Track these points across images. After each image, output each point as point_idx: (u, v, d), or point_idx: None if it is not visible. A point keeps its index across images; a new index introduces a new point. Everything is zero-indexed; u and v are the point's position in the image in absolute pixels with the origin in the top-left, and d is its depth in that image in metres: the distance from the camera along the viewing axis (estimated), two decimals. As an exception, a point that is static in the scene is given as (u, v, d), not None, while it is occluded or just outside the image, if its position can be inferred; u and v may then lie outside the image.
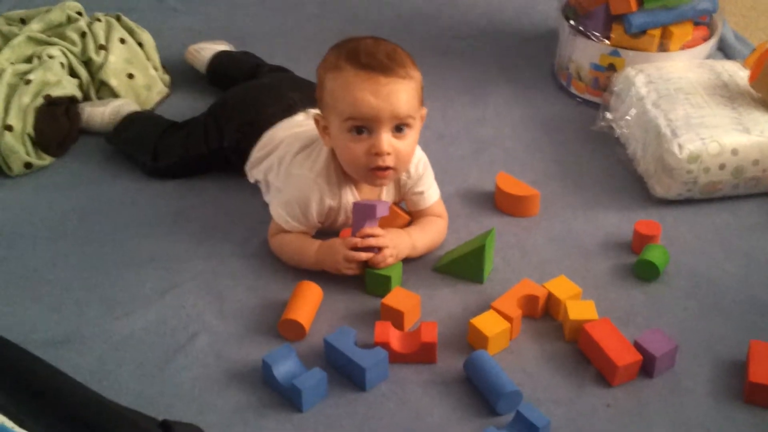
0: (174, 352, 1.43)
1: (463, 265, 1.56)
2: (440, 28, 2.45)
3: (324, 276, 1.54)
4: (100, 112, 1.95)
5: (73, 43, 2.01)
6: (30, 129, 1.83)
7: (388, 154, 1.49)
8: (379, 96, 1.45)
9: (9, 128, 1.81)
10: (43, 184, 1.82)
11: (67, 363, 1.39)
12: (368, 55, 1.47)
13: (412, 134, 1.51)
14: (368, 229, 1.51)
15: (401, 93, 1.47)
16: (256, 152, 1.70)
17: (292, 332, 1.45)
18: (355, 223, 1.53)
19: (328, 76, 1.49)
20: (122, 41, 2.05)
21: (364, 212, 1.51)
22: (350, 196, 1.59)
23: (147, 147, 1.84)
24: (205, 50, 2.14)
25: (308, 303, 1.47)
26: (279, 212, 1.58)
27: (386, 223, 1.64)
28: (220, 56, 2.13)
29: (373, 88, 1.45)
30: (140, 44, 2.10)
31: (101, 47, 2.02)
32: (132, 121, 1.93)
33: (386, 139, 1.48)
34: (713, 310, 1.52)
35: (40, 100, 1.85)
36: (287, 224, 1.57)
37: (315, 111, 1.73)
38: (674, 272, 1.60)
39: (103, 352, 1.43)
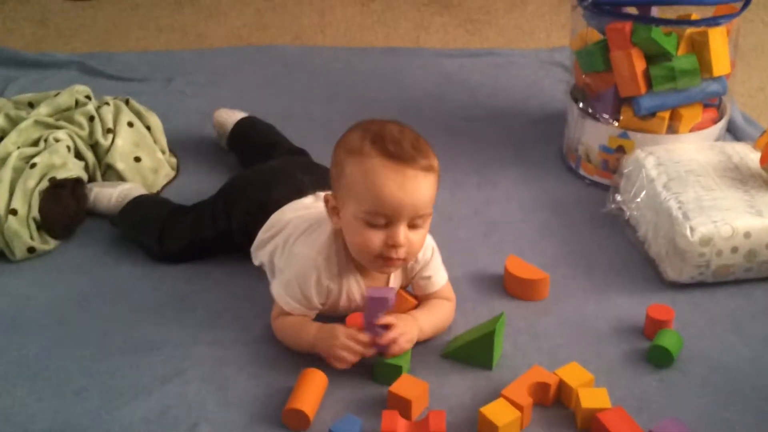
0: (175, 443, 1.40)
1: (472, 351, 1.53)
2: (449, 110, 2.46)
3: (326, 364, 1.51)
4: (107, 195, 1.94)
5: (80, 126, 2.01)
6: (35, 212, 1.82)
7: (402, 246, 1.46)
8: (404, 190, 1.43)
9: (13, 212, 1.80)
10: (46, 269, 1.80)
11: (64, 455, 1.37)
12: (395, 144, 1.43)
13: (426, 226, 1.50)
14: (382, 320, 1.48)
15: (424, 188, 1.45)
16: (262, 234, 1.68)
17: (296, 421, 1.41)
18: (367, 313, 1.49)
19: (351, 159, 1.45)
20: (130, 125, 2.06)
21: (376, 303, 1.47)
22: (353, 282, 1.56)
23: (153, 231, 1.83)
24: (236, 113, 2.17)
25: (313, 391, 1.44)
26: (280, 293, 1.56)
27: (393, 308, 1.62)
28: (244, 121, 2.14)
29: (399, 181, 1.42)
30: (148, 127, 2.10)
31: (109, 131, 2.02)
32: (138, 204, 1.92)
33: (403, 232, 1.46)
34: (730, 398, 1.48)
35: (45, 183, 1.85)
36: (288, 305, 1.54)
37: (324, 194, 1.73)
38: (688, 358, 1.56)
39: (101, 443, 1.40)
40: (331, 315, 1.58)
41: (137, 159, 2.03)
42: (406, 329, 1.50)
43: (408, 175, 1.42)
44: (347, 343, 1.47)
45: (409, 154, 1.43)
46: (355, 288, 1.57)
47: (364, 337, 1.47)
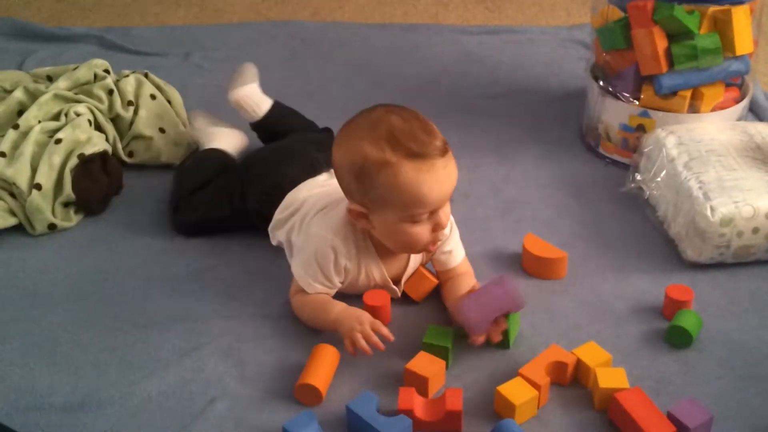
0: (192, 418, 1.40)
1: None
2: (467, 87, 2.44)
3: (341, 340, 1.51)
4: (202, 128, 2.02)
5: (100, 100, 2.01)
6: (68, 191, 1.83)
7: (446, 226, 1.50)
8: (441, 182, 1.44)
9: (38, 187, 1.80)
10: (65, 243, 1.80)
11: (84, 428, 1.38)
12: (412, 139, 1.42)
13: (452, 221, 1.53)
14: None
15: (453, 170, 1.46)
16: (278, 214, 1.68)
17: (309, 397, 1.41)
18: (486, 310, 1.48)
19: (381, 173, 1.41)
20: (153, 97, 2.06)
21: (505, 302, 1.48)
22: (372, 262, 1.56)
23: (173, 200, 1.85)
24: (263, 102, 2.05)
25: (325, 367, 1.44)
26: (299, 272, 1.56)
27: (413, 287, 1.62)
28: (277, 111, 2.06)
29: (435, 177, 1.43)
30: (168, 101, 2.10)
31: (129, 103, 2.02)
32: (188, 164, 1.95)
33: (444, 214, 1.48)
34: (749, 380, 1.47)
35: (74, 161, 1.85)
36: (309, 286, 1.55)
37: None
38: (707, 339, 1.55)
39: (119, 417, 1.40)
40: (350, 293, 1.57)
41: (162, 130, 2.03)
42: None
43: (438, 166, 1.43)
44: (369, 332, 1.46)
45: (430, 144, 1.42)
46: (374, 267, 1.57)
47: (387, 332, 1.46)
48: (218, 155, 1.95)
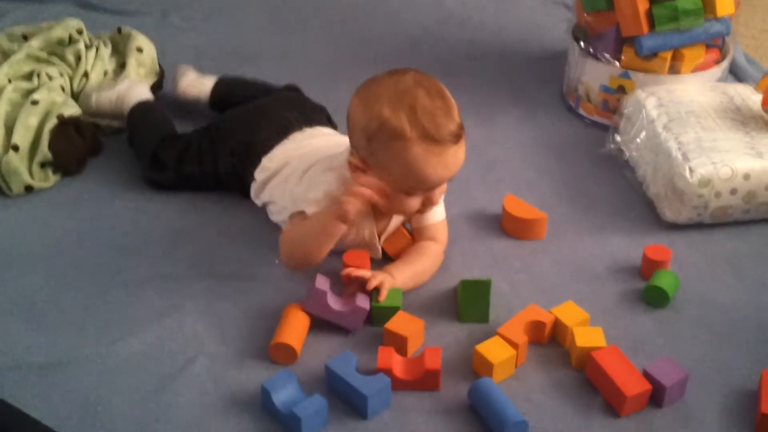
0: (171, 377, 1.40)
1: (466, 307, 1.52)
2: (448, 48, 2.43)
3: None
4: (107, 98, 1.95)
5: (70, 66, 2.00)
6: (45, 151, 1.81)
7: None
8: (447, 168, 1.45)
9: (15, 148, 1.78)
10: (41, 204, 1.79)
11: (61, 388, 1.38)
12: (432, 120, 1.41)
13: None
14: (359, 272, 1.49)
15: (461, 156, 1.48)
16: (259, 176, 1.68)
17: (283, 356, 1.41)
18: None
19: (392, 143, 1.42)
20: (105, 74, 2.04)
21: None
22: (366, 220, 1.56)
23: (146, 155, 1.83)
24: (206, 79, 2.03)
25: (298, 326, 1.44)
26: (297, 209, 1.54)
27: (391, 245, 1.62)
28: (224, 83, 2.04)
29: (443, 162, 1.44)
30: (140, 49, 2.08)
31: (85, 74, 2.01)
32: (135, 124, 1.91)
33: (440, 191, 1.51)
34: (724, 339, 1.49)
35: (53, 121, 1.83)
36: (310, 210, 1.52)
37: (311, 130, 1.71)
38: (684, 299, 1.56)
39: (97, 376, 1.40)
40: (335, 250, 1.57)
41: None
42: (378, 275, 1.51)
43: (449, 152, 1.44)
44: (356, 189, 1.45)
45: (447, 130, 1.42)
46: (366, 224, 1.57)
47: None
48: (148, 104, 1.94)
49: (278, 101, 1.83)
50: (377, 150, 1.45)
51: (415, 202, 1.49)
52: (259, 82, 2.03)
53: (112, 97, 1.95)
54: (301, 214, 1.54)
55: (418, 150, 1.42)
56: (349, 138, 1.50)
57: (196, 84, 2.03)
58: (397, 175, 1.45)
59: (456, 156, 1.46)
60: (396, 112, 1.42)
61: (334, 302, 1.46)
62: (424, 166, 1.43)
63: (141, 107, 1.93)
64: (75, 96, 1.99)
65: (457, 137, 1.44)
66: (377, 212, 1.56)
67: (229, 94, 2.01)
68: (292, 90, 1.98)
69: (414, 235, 1.64)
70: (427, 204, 1.51)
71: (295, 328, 1.43)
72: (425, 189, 1.48)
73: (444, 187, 1.52)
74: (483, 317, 1.50)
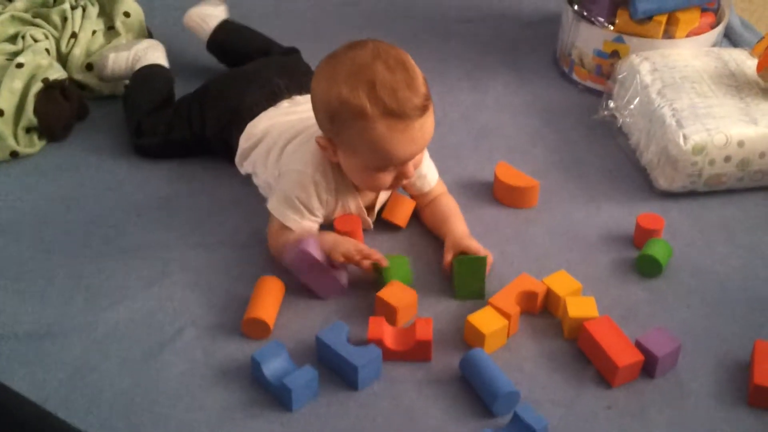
0: (160, 346, 1.39)
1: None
2: (440, 12, 2.39)
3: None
4: (123, 58, 1.91)
5: (55, 27, 1.96)
6: (30, 116, 1.78)
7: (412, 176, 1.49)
8: (414, 141, 1.41)
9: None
10: (28, 170, 1.77)
11: (50, 357, 1.37)
12: (393, 95, 1.36)
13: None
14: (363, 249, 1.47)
15: (429, 127, 1.43)
16: (243, 143, 1.65)
17: (257, 331, 1.40)
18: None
19: (354, 123, 1.38)
20: (93, 33, 2.00)
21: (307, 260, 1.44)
22: (350, 196, 1.55)
23: (133, 122, 1.81)
24: (210, 18, 2.02)
25: (270, 298, 1.42)
26: (281, 210, 1.51)
27: (395, 213, 1.61)
28: (225, 29, 2.02)
29: (409, 137, 1.40)
30: (127, 13, 2.04)
31: (73, 35, 1.97)
32: (135, 86, 1.88)
33: (412, 164, 1.46)
34: (717, 308, 1.48)
35: (39, 85, 1.80)
36: (294, 222, 1.50)
37: (301, 97, 1.69)
38: (677, 268, 1.56)
39: (87, 345, 1.39)
40: (324, 222, 1.55)
41: (89, 67, 1.97)
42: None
43: (415, 127, 1.39)
44: (367, 252, 1.45)
45: (410, 103, 1.37)
46: (350, 199, 1.55)
47: (378, 255, 1.46)
48: (159, 69, 1.90)
49: (269, 66, 1.80)
50: (341, 130, 1.41)
51: (387, 177, 1.46)
52: (259, 40, 2.00)
53: (129, 56, 1.91)
54: (282, 227, 1.51)
55: (381, 127, 1.38)
56: (315, 117, 1.47)
57: (202, 16, 2.01)
58: (364, 154, 1.42)
59: (423, 129, 1.41)
60: (355, 89, 1.38)
61: (319, 270, 1.44)
62: (390, 144, 1.39)
63: (147, 70, 1.89)
64: (63, 58, 1.95)
65: (422, 110, 1.39)
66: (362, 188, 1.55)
67: (227, 42, 2.00)
68: (291, 53, 1.95)
69: (418, 204, 1.63)
70: (400, 178, 1.47)
71: (268, 302, 1.42)
72: (396, 165, 1.44)
73: (419, 158, 1.48)
74: (479, 293, 1.48)
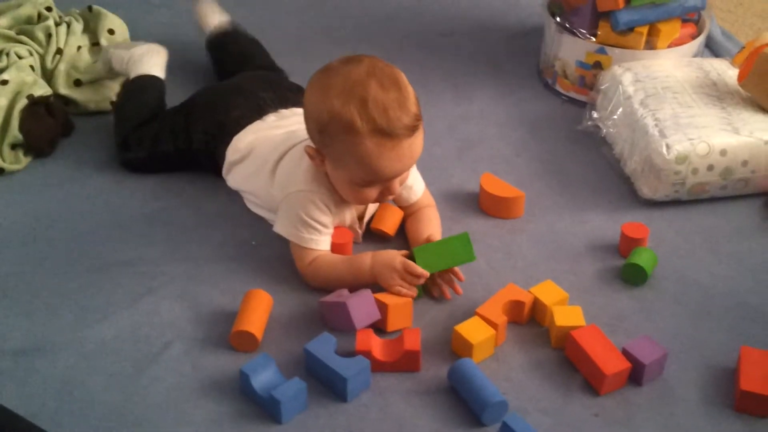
0: (148, 361, 1.38)
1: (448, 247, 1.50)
2: (424, 24, 2.41)
3: (300, 282, 1.52)
4: (120, 57, 1.91)
5: (40, 44, 1.96)
6: (15, 132, 1.78)
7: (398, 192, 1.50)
8: (401, 160, 1.42)
9: (-16, 130, 1.76)
10: (14, 186, 1.76)
11: (37, 373, 1.36)
12: (383, 114, 1.37)
13: None
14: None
15: (417, 147, 1.44)
16: (229, 156, 1.66)
17: (245, 344, 1.40)
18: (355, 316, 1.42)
19: (342, 137, 1.39)
20: (78, 49, 2.00)
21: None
22: (346, 210, 1.56)
23: (120, 135, 1.80)
24: (215, 17, 2.06)
25: (258, 311, 1.42)
26: (296, 234, 1.51)
27: (384, 222, 1.62)
28: (225, 30, 2.05)
29: (397, 155, 1.40)
30: (111, 31, 2.04)
31: (59, 51, 1.97)
32: (125, 98, 1.87)
33: (398, 181, 1.47)
34: (703, 316, 1.49)
35: (24, 101, 1.80)
36: (312, 242, 1.51)
37: (287, 111, 1.69)
38: (662, 276, 1.57)
39: (74, 361, 1.38)
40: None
41: (77, 83, 1.97)
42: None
43: (403, 146, 1.40)
44: (406, 279, 1.45)
45: (400, 123, 1.38)
46: (346, 210, 1.56)
47: (421, 270, 1.45)
48: (152, 81, 1.89)
49: (254, 80, 1.81)
50: (329, 142, 1.42)
51: (373, 193, 1.47)
52: (263, 50, 2.03)
53: (125, 57, 1.90)
54: (303, 249, 1.51)
55: (369, 144, 1.38)
56: (306, 126, 1.48)
57: (207, 10, 2.06)
58: (351, 169, 1.42)
59: (411, 148, 1.42)
60: (346, 104, 1.38)
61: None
62: (377, 161, 1.40)
63: (141, 81, 1.88)
64: (48, 74, 1.95)
65: (411, 129, 1.40)
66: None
67: (232, 42, 2.03)
68: (278, 71, 1.96)
69: (405, 212, 1.64)
70: (386, 194, 1.48)
71: (253, 315, 1.41)
72: (381, 181, 1.45)
73: (406, 175, 1.49)
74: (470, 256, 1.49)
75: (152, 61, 1.91)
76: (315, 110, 1.42)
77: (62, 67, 1.95)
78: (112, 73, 1.95)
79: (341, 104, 1.38)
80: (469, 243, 1.48)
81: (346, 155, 1.41)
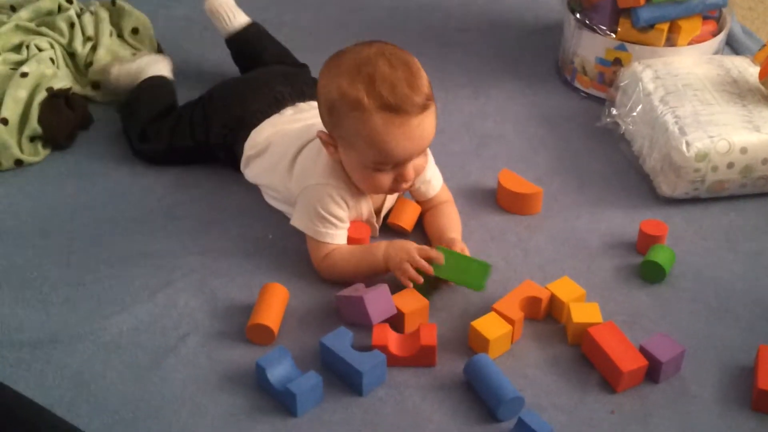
0: (165, 353, 1.39)
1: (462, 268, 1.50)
2: (442, 19, 2.40)
3: (317, 275, 1.52)
4: (126, 71, 1.92)
5: (61, 33, 1.97)
6: (34, 124, 1.79)
7: (412, 179, 1.47)
8: (411, 139, 1.40)
9: (4, 122, 1.76)
10: (32, 178, 1.77)
11: (54, 364, 1.36)
12: (391, 90, 1.36)
13: (427, 148, 1.48)
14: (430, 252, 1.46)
15: (428, 127, 1.42)
16: (248, 150, 1.66)
17: (261, 336, 1.40)
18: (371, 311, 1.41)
19: (350, 114, 1.39)
20: (111, 34, 2.01)
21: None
22: (363, 202, 1.55)
23: (137, 128, 1.80)
24: (239, 15, 2.03)
25: (275, 304, 1.43)
26: (312, 228, 1.51)
27: (401, 217, 1.62)
28: (252, 31, 2.02)
29: (406, 134, 1.39)
30: (135, 29, 2.05)
31: (89, 39, 1.98)
32: (138, 94, 1.88)
33: (412, 168, 1.45)
34: (721, 314, 1.48)
35: (43, 94, 1.81)
36: (328, 237, 1.51)
37: (305, 104, 1.69)
38: (680, 274, 1.56)
39: (91, 352, 1.39)
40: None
41: (95, 85, 1.98)
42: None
43: (412, 124, 1.39)
44: (417, 259, 1.44)
45: (409, 100, 1.37)
46: (363, 203, 1.55)
47: (436, 254, 1.45)
48: (163, 81, 1.91)
49: (272, 74, 1.81)
50: (338, 122, 1.42)
51: (386, 179, 1.45)
52: (282, 47, 2.01)
53: (132, 68, 1.92)
54: (320, 243, 1.51)
55: (377, 120, 1.37)
56: (318, 110, 1.48)
57: (231, 7, 2.01)
58: (361, 149, 1.41)
59: (421, 128, 1.40)
60: (354, 82, 1.38)
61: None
62: (385, 138, 1.38)
63: (150, 81, 1.90)
64: (85, 64, 1.96)
65: (421, 107, 1.38)
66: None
67: (255, 40, 2.01)
68: (301, 66, 1.96)
69: (423, 206, 1.64)
70: (400, 181, 1.46)
71: (270, 308, 1.42)
72: (393, 164, 1.43)
73: (421, 162, 1.48)
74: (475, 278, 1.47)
75: (159, 66, 1.94)
76: (325, 91, 1.43)
77: (101, 51, 1.97)
78: (119, 90, 1.95)
79: (348, 82, 1.38)
80: (487, 274, 1.47)
81: (354, 135, 1.40)
